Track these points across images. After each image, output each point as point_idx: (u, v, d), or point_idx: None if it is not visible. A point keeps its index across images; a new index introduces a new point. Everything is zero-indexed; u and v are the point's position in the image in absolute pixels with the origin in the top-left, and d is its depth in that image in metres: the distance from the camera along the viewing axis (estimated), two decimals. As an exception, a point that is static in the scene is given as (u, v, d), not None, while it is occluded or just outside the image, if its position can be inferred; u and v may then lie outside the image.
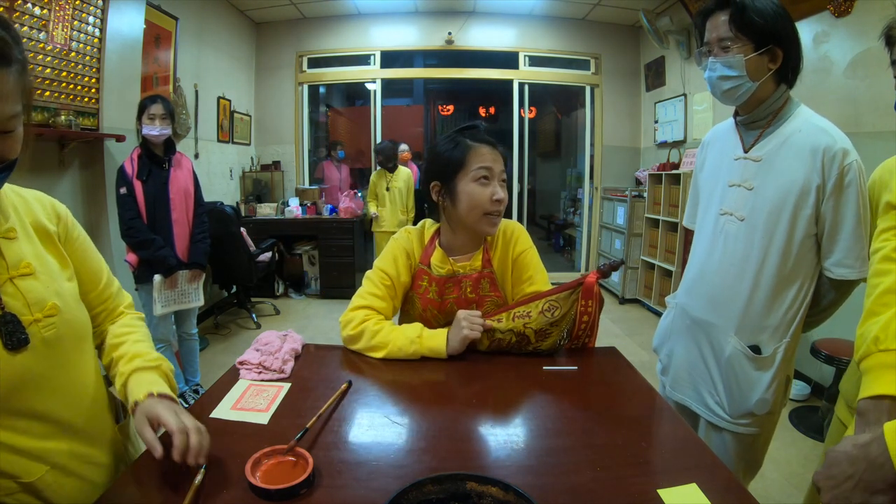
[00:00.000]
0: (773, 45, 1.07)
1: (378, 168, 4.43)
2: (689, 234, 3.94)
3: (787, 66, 1.10)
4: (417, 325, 1.17)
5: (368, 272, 1.26)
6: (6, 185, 0.74)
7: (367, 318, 1.18)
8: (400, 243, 1.26)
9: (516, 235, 1.27)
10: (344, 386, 0.98)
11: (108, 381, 0.89)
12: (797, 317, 1.14)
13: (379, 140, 5.28)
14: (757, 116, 1.15)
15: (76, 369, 0.77)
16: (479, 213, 1.16)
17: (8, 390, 0.65)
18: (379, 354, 1.14)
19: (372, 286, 1.23)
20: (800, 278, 1.13)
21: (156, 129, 2.35)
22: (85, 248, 0.86)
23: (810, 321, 1.19)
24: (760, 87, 1.10)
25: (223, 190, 4.55)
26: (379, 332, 1.15)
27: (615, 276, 4.77)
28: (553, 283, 1.23)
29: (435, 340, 1.13)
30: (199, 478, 0.68)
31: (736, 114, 1.22)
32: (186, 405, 2.72)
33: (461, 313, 1.15)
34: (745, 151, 1.17)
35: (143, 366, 0.82)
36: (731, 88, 1.11)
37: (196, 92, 3.99)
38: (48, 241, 0.78)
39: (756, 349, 1.16)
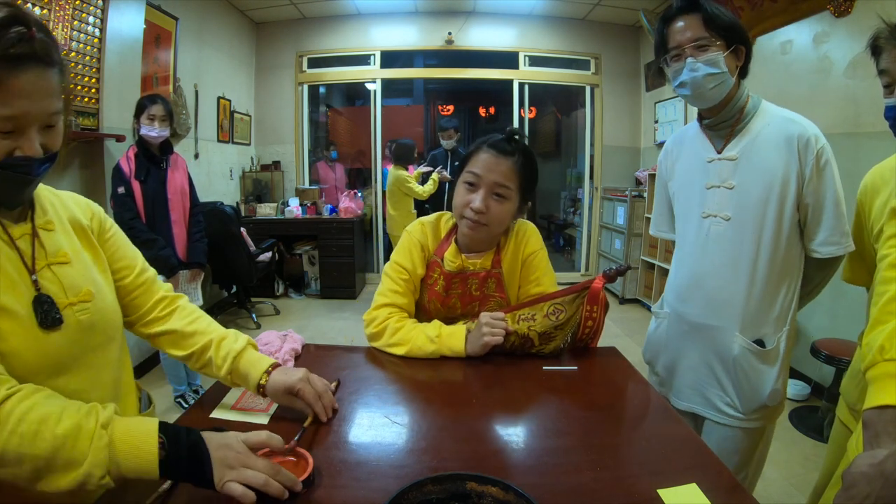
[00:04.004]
0: (737, 44, 1.13)
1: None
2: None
3: (747, 63, 1.16)
4: (436, 323, 1.18)
5: (386, 267, 1.28)
6: (41, 185, 0.77)
7: (389, 315, 1.21)
8: (414, 236, 1.27)
9: (528, 236, 1.28)
10: (333, 385, 0.95)
11: (136, 372, 0.92)
12: (793, 303, 1.19)
13: (378, 140, 5.29)
14: (724, 116, 1.18)
15: (105, 356, 0.81)
16: (458, 214, 1.18)
17: (39, 367, 0.68)
18: (400, 351, 1.15)
19: (391, 283, 1.25)
20: (792, 267, 1.17)
21: (154, 131, 2.34)
22: (118, 240, 0.90)
23: (800, 302, 1.22)
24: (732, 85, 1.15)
25: (223, 190, 4.54)
26: (399, 329, 1.18)
27: (615, 276, 4.77)
28: (557, 283, 1.23)
29: (454, 340, 1.13)
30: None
31: (701, 118, 1.25)
32: (186, 405, 2.71)
33: (483, 316, 1.13)
34: (719, 152, 1.19)
35: (238, 348, 0.90)
36: (716, 86, 1.12)
37: (196, 92, 3.99)
38: (83, 236, 0.83)
39: (760, 343, 1.18)
